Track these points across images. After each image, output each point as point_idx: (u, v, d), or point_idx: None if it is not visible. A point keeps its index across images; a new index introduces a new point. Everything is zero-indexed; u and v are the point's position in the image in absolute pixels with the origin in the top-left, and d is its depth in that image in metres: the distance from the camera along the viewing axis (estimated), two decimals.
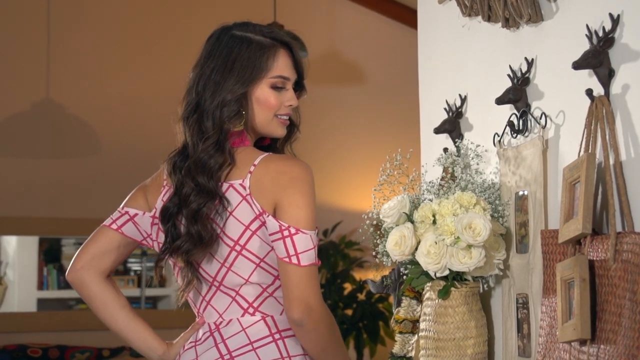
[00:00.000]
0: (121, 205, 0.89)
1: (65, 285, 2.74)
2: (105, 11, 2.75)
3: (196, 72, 0.86)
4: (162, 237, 0.86)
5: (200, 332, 0.85)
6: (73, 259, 0.88)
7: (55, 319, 2.65)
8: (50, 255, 2.77)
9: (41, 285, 2.74)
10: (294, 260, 0.79)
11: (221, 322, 0.84)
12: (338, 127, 2.83)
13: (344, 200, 2.81)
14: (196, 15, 2.83)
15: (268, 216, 0.81)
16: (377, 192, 1.08)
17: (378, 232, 1.07)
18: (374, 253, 1.09)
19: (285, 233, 0.79)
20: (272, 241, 0.81)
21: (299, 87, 0.89)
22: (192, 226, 0.81)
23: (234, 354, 0.81)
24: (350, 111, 2.93)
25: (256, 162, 0.82)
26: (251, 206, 0.81)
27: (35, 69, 2.65)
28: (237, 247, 0.82)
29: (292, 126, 0.89)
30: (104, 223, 0.89)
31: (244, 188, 0.81)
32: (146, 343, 0.87)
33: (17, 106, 2.66)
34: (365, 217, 1.08)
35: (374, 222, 1.07)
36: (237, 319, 0.83)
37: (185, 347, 0.86)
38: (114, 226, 0.88)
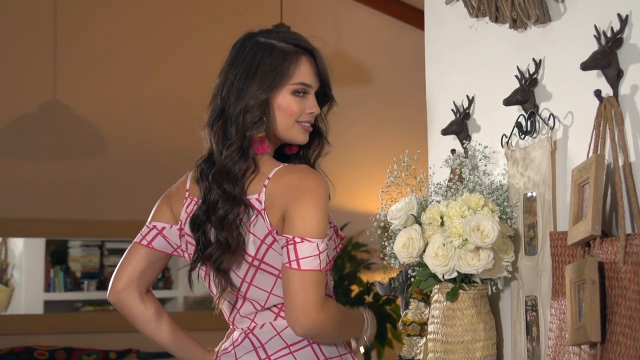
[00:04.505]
0: (148, 220, 0.91)
1: (72, 287, 2.78)
2: (113, 12, 2.78)
3: (221, 78, 0.87)
4: (191, 249, 0.87)
5: (236, 333, 0.86)
6: (112, 280, 0.89)
7: (62, 321, 2.67)
8: (57, 257, 2.80)
9: (48, 287, 2.76)
10: (294, 265, 0.79)
11: (254, 327, 0.85)
12: (345, 128, 2.83)
13: (351, 201, 2.83)
14: (203, 16, 2.85)
15: (277, 233, 0.81)
16: (385, 193, 1.09)
17: (386, 234, 1.08)
18: (381, 255, 1.10)
19: (290, 242, 0.80)
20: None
21: (326, 97, 0.89)
22: (220, 233, 0.82)
23: (272, 358, 0.82)
24: (357, 112, 2.94)
25: (270, 175, 0.83)
26: (264, 220, 0.82)
27: (42, 70, 2.68)
28: (255, 262, 0.83)
29: (321, 138, 0.90)
30: (135, 240, 0.90)
31: (260, 203, 0.82)
32: (189, 353, 0.90)
33: (24, 107, 2.68)
34: (373, 219, 1.09)
35: (382, 224, 1.08)
36: (270, 322, 0.84)
37: (223, 349, 0.87)
38: (144, 242, 0.89)
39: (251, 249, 0.83)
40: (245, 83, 0.84)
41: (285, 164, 0.85)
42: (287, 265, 0.80)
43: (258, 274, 0.83)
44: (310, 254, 0.80)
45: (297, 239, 0.80)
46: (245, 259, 0.83)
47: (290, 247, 0.80)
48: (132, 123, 2.76)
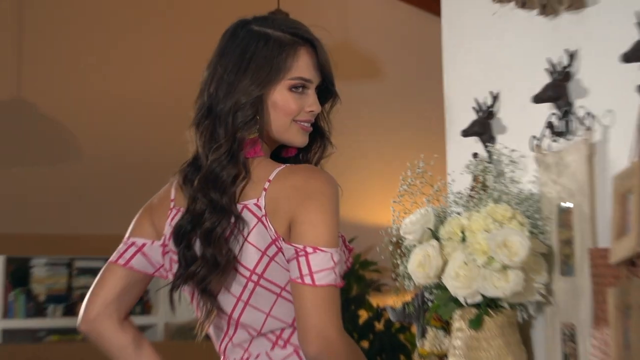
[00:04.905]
0: (126, 235, 0.89)
1: (34, 313, 2.75)
2: (85, 1, 2.80)
3: (209, 71, 0.85)
4: (176, 268, 0.85)
5: None
6: (84, 306, 0.87)
7: (22, 353, 2.63)
8: (18, 277, 2.77)
9: (6, 313, 2.71)
10: (307, 279, 0.77)
11: (248, 358, 0.83)
12: (351, 128, 2.82)
13: (358, 213, 2.82)
14: (187, 4, 2.87)
15: (283, 242, 0.79)
16: (397, 204, 1.09)
17: (398, 250, 1.08)
18: (393, 275, 1.10)
19: (301, 253, 0.78)
20: (289, 265, 0.79)
21: (328, 93, 0.88)
22: (207, 248, 0.80)
23: None
24: (365, 111, 2.94)
25: (271, 177, 0.81)
26: (266, 228, 0.80)
27: (3, 64, 2.67)
28: (254, 277, 0.80)
29: (323, 139, 0.88)
30: (110, 259, 0.89)
31: (259, 208, 0.80)
32: None
33: None
34: (384, 233, 1.09)
35: (394, 239, 1.08)
36: (267, 352, 0.82)
37: None
38: (122, 261, 0.87)
39: (250, 262, 0.81)
40: (236, 77, 0.83)
41: (287, 165, 0.84)
42: (299, 280, 0.78)
43: (256, 291, 0.81)
44: (325, 266, 0.77)
45: (309, 249, 0.78)
46: (242, 274, 0.81)
47: (302, 259, 0.77)
48: (108, 124, 2.75)
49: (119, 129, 2.75)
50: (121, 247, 0.89)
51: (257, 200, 0.81)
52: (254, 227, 0.80)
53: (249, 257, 0.81)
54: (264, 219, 0.80)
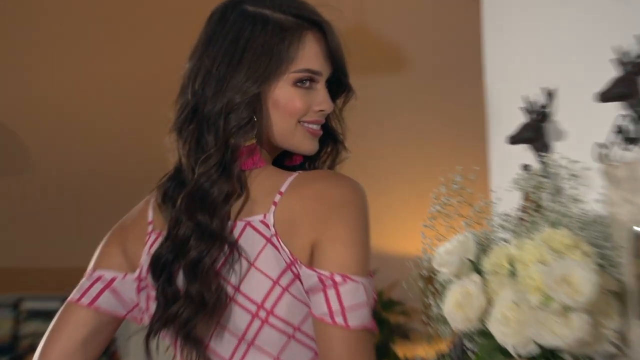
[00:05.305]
0: (90, 266, 0.87)
1: None
2: None
3: (193, 63, 0.83)
4: (154, 308, 0.83)
5: None
6: (37, 357, 0.85)
7: None
8: None
9: None
10: (339, 319, 0.75)
11: None
12: (371, 131, 2.80)
13: (379, 239, 2.81)
14: None
15: (301, 266, 0.78)
16: (428, 228, 1.08)
17: (430, 287, 1.07)
18: (424, 318, 1.09)
19: (328, 283, 0.76)
20: (310, 298, 0.78)
21: (341, 87, 0.87)
22: (192, 284, 0.78)
23: None
24: (386, 112, 2.93)
25: (283, 189, 0.79)
26: (279, 251, 0.78)
27: None
28: (262, 313, 0.79)
29: (335, 142, 0.87)
30: (70, 298, 0.87)
31: (267, 226, 0.79)
32: None
33: None
34: (412, 265, 1.09)
35: (425, 273, 1.08)
36: None
37: None
38: (85, 300, 0.86)
39: (257, 293, 0.79)
40: (227, 71, 0.81)
41: (300, 172, 0.82)
42: (328, 320, 0.76)
43: (264, 330, 0.79)
44: (358, 300, 0.76)
45: (338, 278, 0.76)
46: (247, 308, 0.79)
47: (330, 291, 0.76)
48: (65, 132, 2.77)
49: (80, 137, 2.76)
50: (84, 282, 0.88)
51: (264, 216, 0.79)
52: (261, 249, 0.79)
53: (257, 287, 0.79)
54: (274, 239, 0.79)
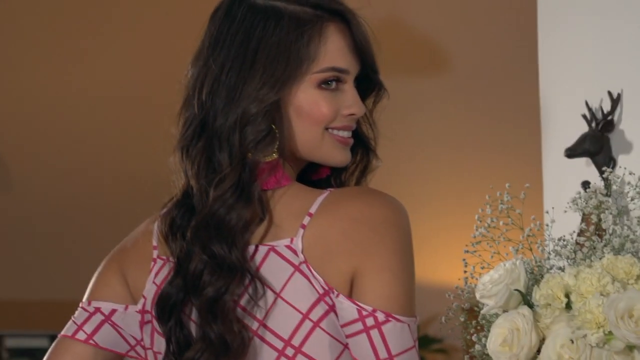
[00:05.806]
0: (86, 297, 0.87)
1: None
2: None
3: (197, 69, 0.83)
4: (161, 343, 0.83)
5: None
6: None
7: None
8: None
9: None
10: None
11: None
12: (404, 141, 2.79)
13: (415, 267, 2.78)
14: None
15: (338, 296, 0.78)
16: (471, 255, 1.08)
17: (473, 322, 1.07)
18: (467, 357, 1.09)
19: (370, 322, 0.76)
20: (347, 336, 0.78)
21: (370, 84, 0.86)
22: (210, 326, 0.78)
23: None
24: (424, 116, 2.92)
25: (313, 210, 0.79)
26: (309, 281, 0.78)
27: None
28: (289, 351, 0.78)
29: (366, 150, 0.86)
30: (63, 332, 0.87)
31: (295, 253, 0.79)
32: None
33: None
34: (451, 296, 1.09)
35: (466, 306, 1.08)
36: None
37: None
38: (81, 336, 0.86)
39: (283, 328, 0.79)
40: (239, 77, 0.81)
41: (331, 190, 0.81)
42: None
43: None
44: (405, 346, 0.76)
45: (380, 316, 0.76)
46: (272, 344, 0.79)
47: (374, 332, 0.76)
48: (50, 150, 2.78)
49: (60, 154, 2.79)
50: (79, 314, 0.88)
51: (291, 241, 0.79)
52: (289, 278, 0.79)
53: (283, 321, 0.79)
54: (303, 267, 0.78)
